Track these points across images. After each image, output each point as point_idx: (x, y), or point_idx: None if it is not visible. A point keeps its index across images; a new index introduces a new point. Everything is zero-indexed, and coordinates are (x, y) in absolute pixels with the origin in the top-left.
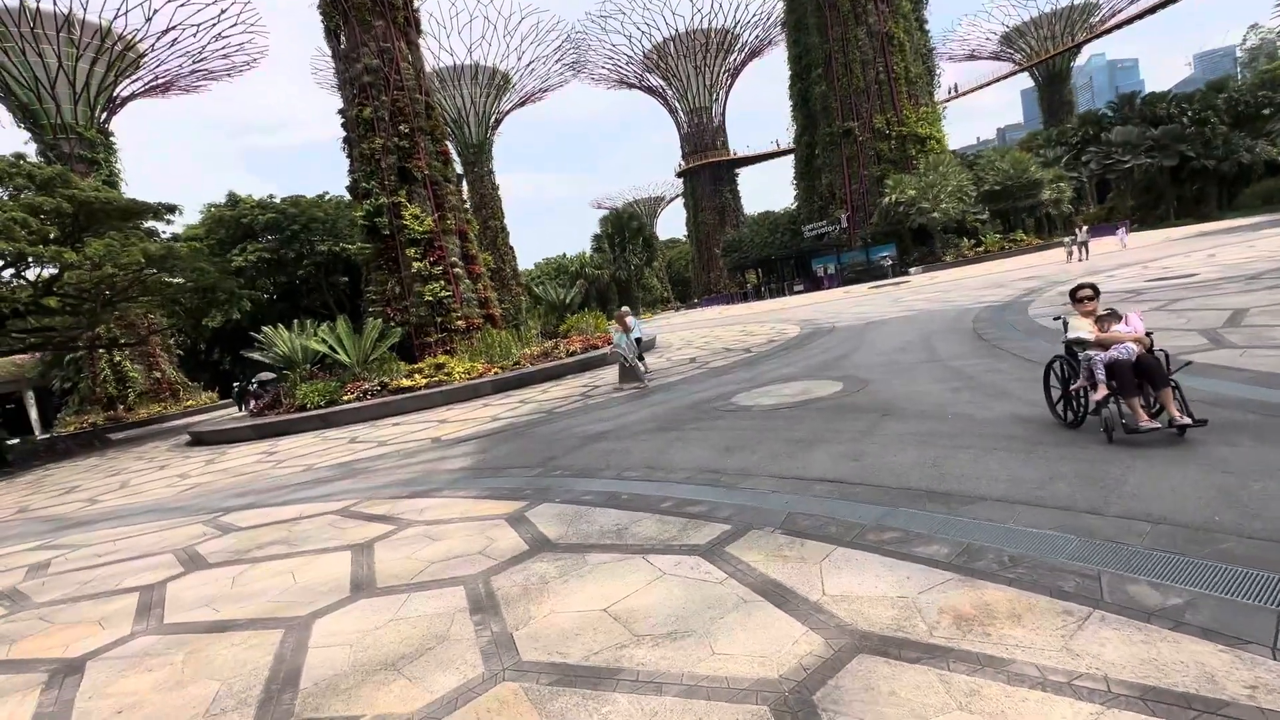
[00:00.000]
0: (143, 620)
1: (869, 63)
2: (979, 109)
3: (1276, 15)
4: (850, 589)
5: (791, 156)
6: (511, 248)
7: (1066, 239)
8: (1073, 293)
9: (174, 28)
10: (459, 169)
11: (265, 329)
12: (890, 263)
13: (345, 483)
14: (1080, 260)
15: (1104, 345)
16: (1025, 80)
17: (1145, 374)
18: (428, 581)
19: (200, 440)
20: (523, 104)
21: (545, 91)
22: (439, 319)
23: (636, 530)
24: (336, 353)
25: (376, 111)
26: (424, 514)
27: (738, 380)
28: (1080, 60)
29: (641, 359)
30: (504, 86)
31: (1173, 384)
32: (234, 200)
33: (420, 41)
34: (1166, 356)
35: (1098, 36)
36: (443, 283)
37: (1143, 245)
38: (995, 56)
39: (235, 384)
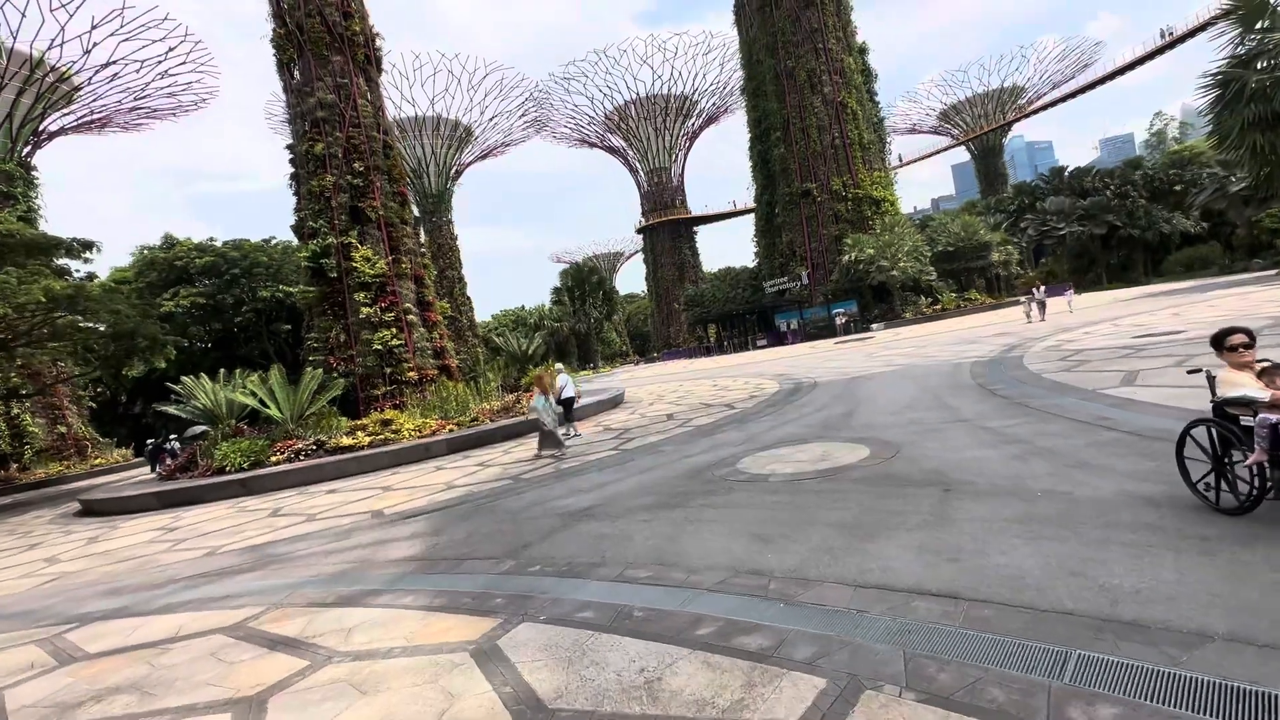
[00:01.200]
0: None
1: (825, 128)
2: (914, 181)
3: (1198, 96)
4: None
5: (748, 217)
6: (469, 298)
7: (1023, 298)
8: (1218, 340)
9: (115, 62)
10: (416, 212)
11: (185, 379)
12: (845, 319)
13: (253, 577)
14: (1040, 320)
15: None
16: (956, 156)
17: None
18: None
19: (91, 510)
20: (484, 157)
21: (507, 146)
22: (389, 370)
23: (675, 682)
24: (267, 407)
25: (329, 148)
26: (351, 636)
27: (734, 442)
28: (1003, 139)
29: (571, 420)
30: (466, 139)
31: None
32: (170, 242)
33: (381, 82)
34: None
35: (1025, 117)
36: (394, 330)
37: (1090, 305)
38: (934, 131)
39: (149, 441)
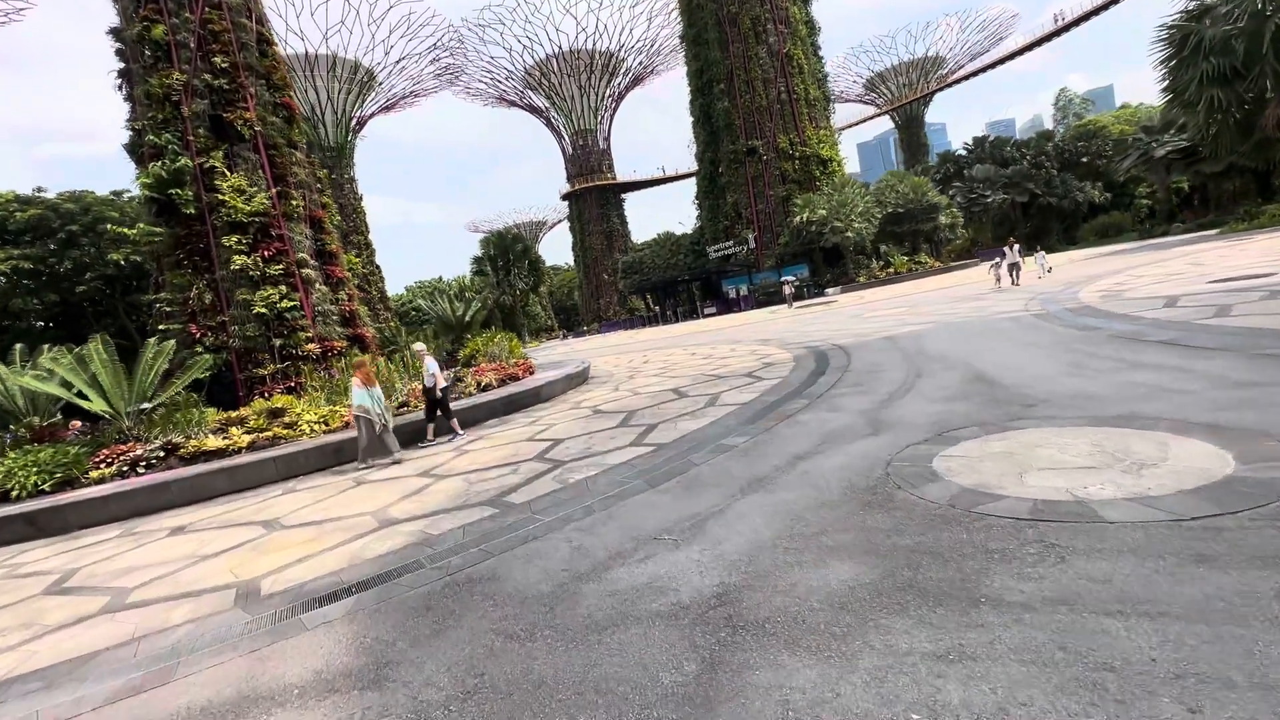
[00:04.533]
0: None
1: (770, 82)
2: None
3: (1151, 51)
4: None
5: (680, 184)
6: (378, 267)
7: (995, 260)
8: None
9: None
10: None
11: None
12: (798, 284)
13: None
14: (1013, 283)
15: None
16: (862, 134)
17: None
18: None
19: None
20: (390, 108)
21: (416, 96)
22: (278, 341)
23: None
24: (86, 399)
25: (176, 32)
26: None
27: (852, 430)
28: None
29: (450, 417)
30: (368, 85)
31: None
32: None
33: None
34: None
35: (947, 87)
36: (284, 288)
37: (1055, 267)
38: (860, 99)
39: None
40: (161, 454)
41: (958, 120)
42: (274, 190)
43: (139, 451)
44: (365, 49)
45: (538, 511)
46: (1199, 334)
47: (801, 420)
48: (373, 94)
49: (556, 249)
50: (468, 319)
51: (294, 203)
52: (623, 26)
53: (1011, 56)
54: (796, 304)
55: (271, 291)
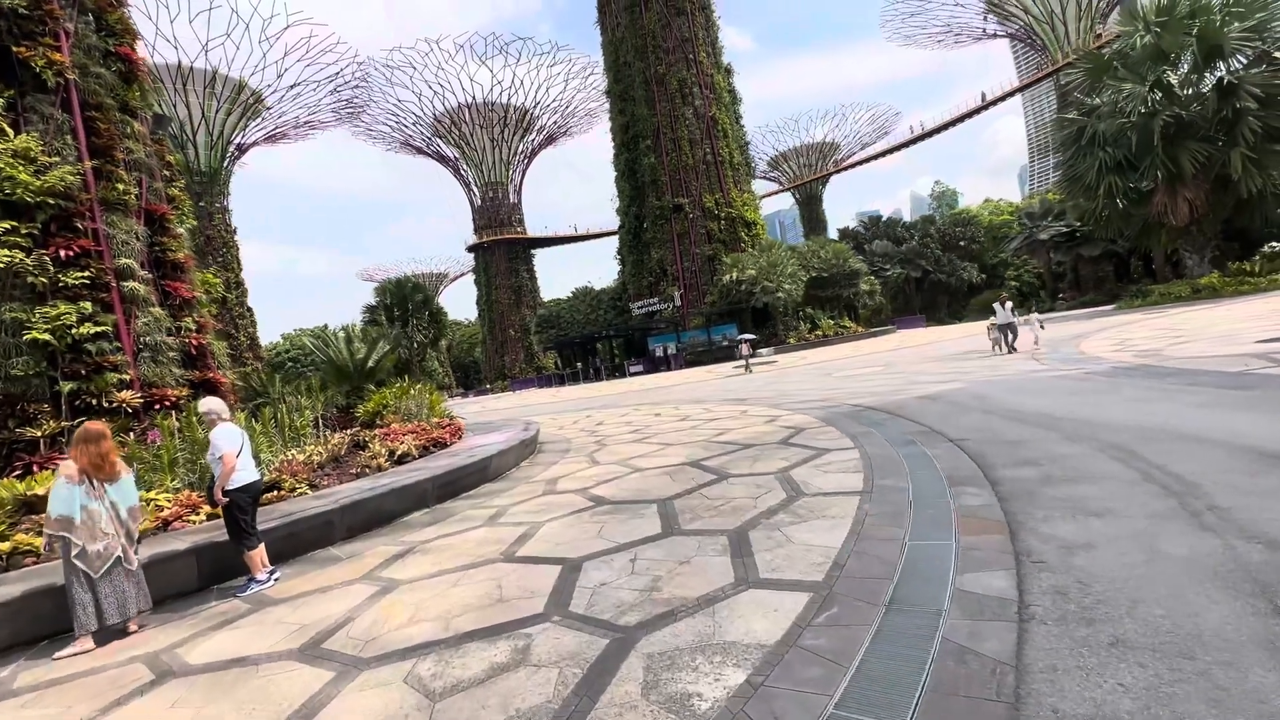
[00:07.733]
0: None
1: (697, 142)
2: None
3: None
4: None
5: (592, 243)
6: (250, 310)
7: (991, 319)
8: None
9: None
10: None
11: None
12: (749, 343)
13: None
14: (1009, 351)
15: None
16: (763, 210)
17: None
18: None
19: None
20: (278, 137)
21: (310, 128)
22: (67, 386)
23: None
24: None
25: None
26: None
27: (1236, 562)
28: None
29: (248, 544)
30: (254, 108)
31: None
32: None
33: None
34: None
35: (841, 170)
36: (89, 305)
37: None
38: (764, 176)
39: None
40: None
41: (832, 208)
42: (88, 164)
43: None
44: (254, 68)
45: None
46: None
47: (1061, 536)
48: (258, 119)
49: (456, 304)
50: (371, 364)
51: (121, 186)
52: (539, 85)
53: (889, 151)
54: (738, 362)
55: (65, 310)
